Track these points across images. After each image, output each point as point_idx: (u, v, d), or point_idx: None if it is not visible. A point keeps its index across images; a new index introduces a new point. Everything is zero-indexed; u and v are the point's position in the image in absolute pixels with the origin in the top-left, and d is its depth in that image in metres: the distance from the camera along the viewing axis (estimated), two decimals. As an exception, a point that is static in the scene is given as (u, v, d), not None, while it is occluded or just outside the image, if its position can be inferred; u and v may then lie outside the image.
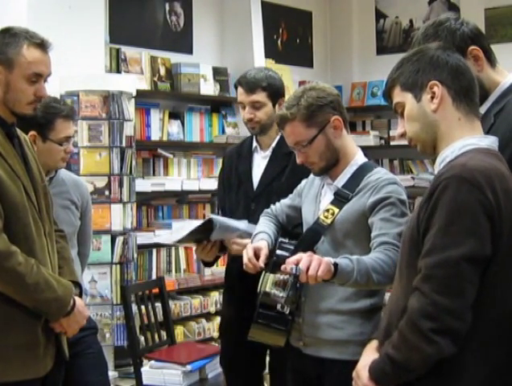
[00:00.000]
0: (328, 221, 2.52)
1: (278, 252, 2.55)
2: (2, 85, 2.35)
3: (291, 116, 2.53)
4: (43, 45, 2.40)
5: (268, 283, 2.23)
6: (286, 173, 3.13)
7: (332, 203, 2.54)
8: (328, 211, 2.54)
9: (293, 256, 2.26)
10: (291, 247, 2.56)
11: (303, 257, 2.22)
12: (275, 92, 3.18)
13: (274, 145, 3.20)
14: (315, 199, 2.65)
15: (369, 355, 1.95)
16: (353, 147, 2.64)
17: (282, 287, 2.17)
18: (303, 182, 2.80)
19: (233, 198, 3.24)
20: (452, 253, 1.73)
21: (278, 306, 2.21)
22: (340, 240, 2.52)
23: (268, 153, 3.22)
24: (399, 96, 1.96)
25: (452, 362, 1.77)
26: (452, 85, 1.90)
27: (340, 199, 2.53)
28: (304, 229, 2.65)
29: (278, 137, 3.19)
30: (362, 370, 1.91)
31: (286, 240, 2.60)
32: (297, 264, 2.20)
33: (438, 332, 1.73)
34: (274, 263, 2.47)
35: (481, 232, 1.74)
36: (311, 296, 2.53)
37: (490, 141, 1.91)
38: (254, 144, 3.28)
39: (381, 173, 2.55)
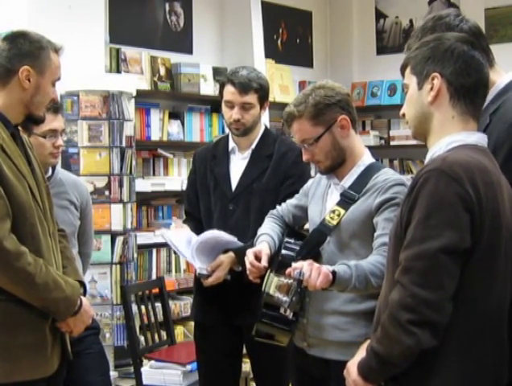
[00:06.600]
0: (334, 222, 2.51)
1: (284, 252, 2.55)
2: (32, 88, 2.36)
3: (298, 113, 2.53)
4: (59, 50, 2.44)
5: (272, 286, 2.23)
6: (266, 174, 3.11)
7: (338, 204, 2.54)
8: (333, 212, 2.53)
9: (294, 265, 2.25)
10: (297, 247, 2.56)
11: (304, 266, 2.23)
12: (265, 94, 3.15)
13: (253, 147, 3.17)
14: (321, 199, 2.65)
15: (362, 352, 1.95)
16: (361, 147, 2.63)
17: (286, 291, 2.17)
18: (310, 181, 2.79)
19: (210, 199, 3.18)
20: (430, 245, 1.74)
21: (282, 310, 2.21)
22: (345, 241, 2.51)
23: (247, 154, 3.18)
24: (408, 77, 1.97)
25: (435, 356, 1.78)
26: (454, 82, 1.88)
27: (346, 200, 2.53)
28: (310, 229, 2.64)
29: (257, 139, 3.18)
30: (352, 366, 1.93)
31: (292, 240, 2.60)
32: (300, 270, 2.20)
33: (416, 324, 1.74)
34: (279, 263, 2.47)
35: (460, 224, 1.75)
36: (316, 297, 2.51)
37: (478, 137, 1.90)
38: (232, 145, 3.22)
39: (388, 174, 2.55)
